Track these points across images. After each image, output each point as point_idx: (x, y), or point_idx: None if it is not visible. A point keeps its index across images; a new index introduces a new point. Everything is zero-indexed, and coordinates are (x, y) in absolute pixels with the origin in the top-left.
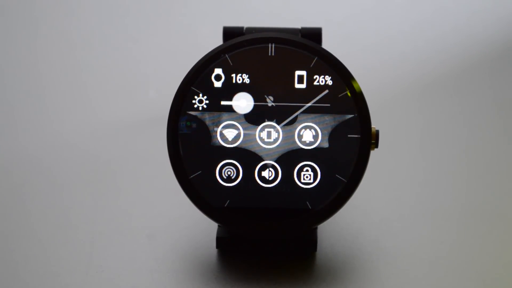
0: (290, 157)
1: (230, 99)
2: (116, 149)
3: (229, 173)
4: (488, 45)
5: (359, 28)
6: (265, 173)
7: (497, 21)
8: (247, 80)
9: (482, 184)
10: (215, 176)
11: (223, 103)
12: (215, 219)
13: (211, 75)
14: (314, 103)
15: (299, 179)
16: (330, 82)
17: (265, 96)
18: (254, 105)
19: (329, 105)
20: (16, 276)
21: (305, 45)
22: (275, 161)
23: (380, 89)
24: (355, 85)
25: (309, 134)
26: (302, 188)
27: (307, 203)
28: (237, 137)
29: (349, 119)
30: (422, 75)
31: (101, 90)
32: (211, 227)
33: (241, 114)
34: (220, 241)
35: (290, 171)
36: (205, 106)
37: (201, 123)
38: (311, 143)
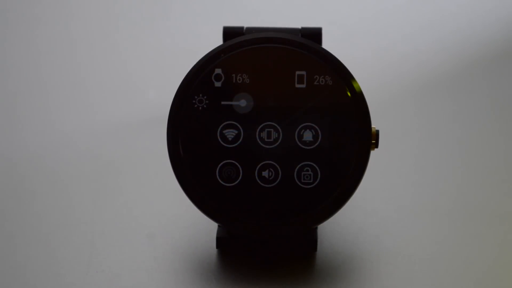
0: (290, 157)
1: (230, 99)
2: (116, 149)
3: (229, 173)
4: (488, 46)
5: (359, 28)
6: (265, 173)
7: (497, 21)
8: (247, 80)
9: (482, 184)
10: (215, 176)
11: (223, 103)
12: (215, 219)
13: (211, 75)
14: (314, 103)
15: (299, 179)
16: (330, 82)
17: (265, 96)
18: (254, 105)
19: (329, 105)
20: (16, 276)
21: (305, 45)
22: (275, 161)
23: (380, 89)
24: (355, 85)
25: (309, 134)
26: (302, 188)
27: (307, 203)
28: (237, 137)
29: (349, 119)
30: (422, 75)
31: (101, 90)
32: (211, 227)
33: (241, 114)
34: (220, 241)
35: (290, 171)
36: (205, 106)
37: (201, 123)
38: (311, 143)
